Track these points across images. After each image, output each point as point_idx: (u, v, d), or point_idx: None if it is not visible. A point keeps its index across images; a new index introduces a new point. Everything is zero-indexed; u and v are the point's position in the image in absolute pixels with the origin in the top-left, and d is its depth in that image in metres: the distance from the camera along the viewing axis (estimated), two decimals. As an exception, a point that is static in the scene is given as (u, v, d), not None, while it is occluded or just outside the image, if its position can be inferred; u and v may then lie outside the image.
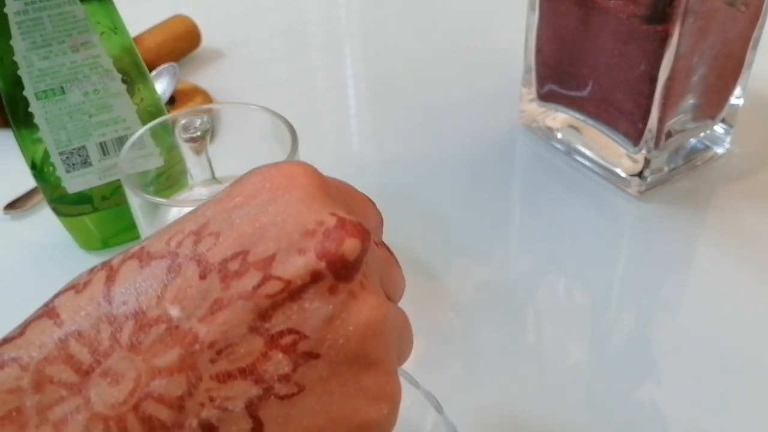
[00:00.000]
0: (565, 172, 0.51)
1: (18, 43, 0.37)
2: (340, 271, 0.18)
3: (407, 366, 0.32)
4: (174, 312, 0.17)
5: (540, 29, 0.49)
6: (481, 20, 0.70)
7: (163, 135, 0.40)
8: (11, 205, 0.49)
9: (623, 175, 0.49)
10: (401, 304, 0.23)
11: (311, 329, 0.18)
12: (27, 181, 0.48)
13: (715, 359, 0.39)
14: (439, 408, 0.31)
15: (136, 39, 0.59)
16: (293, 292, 0.18)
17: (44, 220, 0.48)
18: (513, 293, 0.43)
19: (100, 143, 0.41)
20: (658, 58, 0.42)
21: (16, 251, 0.47)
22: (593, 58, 0.46)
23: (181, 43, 0.64)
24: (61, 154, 0.41)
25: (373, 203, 0.23)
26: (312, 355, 0.18)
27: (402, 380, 0.32)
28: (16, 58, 0.37)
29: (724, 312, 0.41)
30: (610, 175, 0.49)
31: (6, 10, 0.36)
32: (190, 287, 0.17)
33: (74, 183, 0.42)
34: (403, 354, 0.22)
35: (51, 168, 0.42)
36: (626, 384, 0.38)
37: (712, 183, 0.50)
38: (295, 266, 0.18)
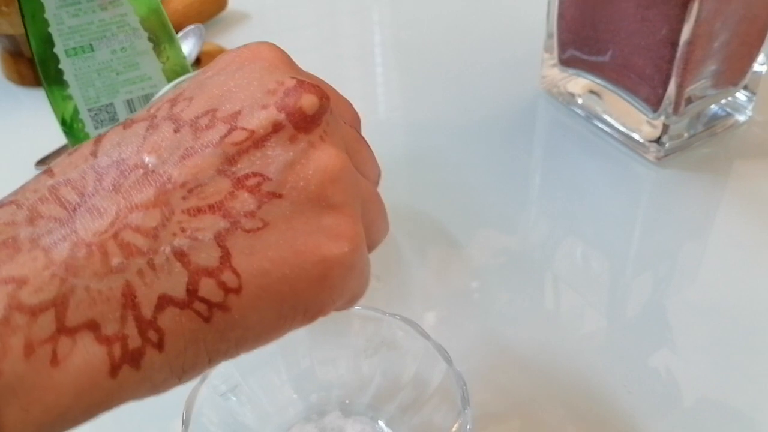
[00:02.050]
0: (585, 138, 0.51)
1: (48, 0, 0.38)
2: (299, 123, 0.20)
3: (423, 322, 0.33)
4: (150, 160, 0.20)
5: (563, -6, 0.49)
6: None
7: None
8: (43, 161, 0.51)
9: (642, 140, 0.49)
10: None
11: (274, 172, 0.20)
12: (59, 138, 0.49)
13: (731, 326, 0.39)
14: (448, 360, 0.32)
15: (164, 0, 0.60)
16: (257, 141, 0.20)
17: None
18: (531, 258, 0.44)
19: (128, 100, 0.42)
20: (680, 22, 0.42)
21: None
22: (615, 23, 0.46)
23: (208, 5, 0.64)
24: (89, 110, 0.42)
25: (350, 103, 0.25)
26: (275, 195, 0.20)
27: (414, 332, 0.33)
28: (46, 15, 0.38)
29: (742, 279, 0.42)
30: (629, 140, 0.50)
31: (37, -32, 0.37)
32: (165, 140, 0.20)
33: (102, 139, 0.44)
34: (375, 231, 0.23)
35: (80, 124, 0.43)
36: (642, 350, 0.39)
37: (732, 150, 0.50)
38: (258, 118, 0.20)
